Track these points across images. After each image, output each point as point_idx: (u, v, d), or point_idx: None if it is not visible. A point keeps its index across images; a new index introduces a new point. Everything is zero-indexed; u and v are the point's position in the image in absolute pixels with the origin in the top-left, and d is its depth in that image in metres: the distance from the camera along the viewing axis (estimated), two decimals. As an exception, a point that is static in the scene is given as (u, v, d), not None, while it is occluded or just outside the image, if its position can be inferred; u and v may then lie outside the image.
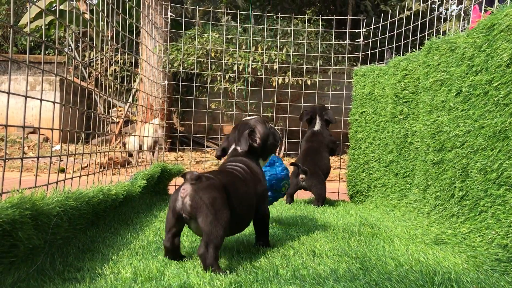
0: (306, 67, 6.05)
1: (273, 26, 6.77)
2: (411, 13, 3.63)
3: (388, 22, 3.55)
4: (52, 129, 1.65)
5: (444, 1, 3.53)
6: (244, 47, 6.66)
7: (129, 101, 8.48)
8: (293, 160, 3.26)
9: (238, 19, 4.11)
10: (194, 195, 1.30)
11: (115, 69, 7.91)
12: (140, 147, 6.27)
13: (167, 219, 1.39)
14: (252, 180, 1.57)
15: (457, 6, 3.66)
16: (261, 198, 1.62)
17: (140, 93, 6.77)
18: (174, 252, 1.40)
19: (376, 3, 9.55)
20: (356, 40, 3.87)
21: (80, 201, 1.57)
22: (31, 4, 1.47)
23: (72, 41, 6.89)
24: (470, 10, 3.30)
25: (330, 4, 10.51)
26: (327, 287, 1.14)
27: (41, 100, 1.58)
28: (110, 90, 2.64)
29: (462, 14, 2.88)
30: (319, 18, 4.36)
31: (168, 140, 7.46)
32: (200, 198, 1.29)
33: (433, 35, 3.00)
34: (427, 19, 3.21)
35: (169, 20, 4.36)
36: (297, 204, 2.92)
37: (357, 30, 3.94)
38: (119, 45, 2.66)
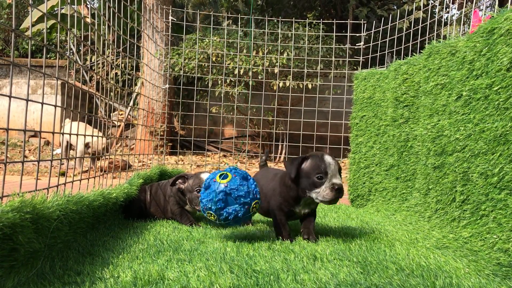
0: (307, 71, 6.05)
1: (274, 30, 6.78)
2: (410, 22, 3.64)
3: (389, 26, 3.56)
4: (53, 133, 1.66)
5: (445, 6, 3.55)
6: (245, 51, 6.67)
7: (130, 104, 8.50)
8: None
9: (239, 23, 4.12)
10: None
11: (116, 73, 7.93)
12: (71, 146, 5.38)
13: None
14: None
15: (458, 10, 3.66)
16: None
17: (141, 96, 6.79)
18: None
19: (378, 6, 9.57)
20: (356, 44, 3.88)
21: (81, 205, 1.57)
22: (32, 8, 1.48)
23: (73, 45, 6.91)
24: (471, 14, 3.31)
25: (331, 8, 10.54)
26: (328, 292, 1.13)
27: (42, 103, 1.58)
28: (111, 93, 2.64)
29: (463, 18, 2.89)
30: (320, 22, 4.37)
31: (169, 144, 7.46)
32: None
33: (433, 39, 3.00)
34: (428, 23, 3.22)
35: (170, 24, 4.37)
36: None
37: (357, 34, 3.95)
38: (121, 49, 2.67)
